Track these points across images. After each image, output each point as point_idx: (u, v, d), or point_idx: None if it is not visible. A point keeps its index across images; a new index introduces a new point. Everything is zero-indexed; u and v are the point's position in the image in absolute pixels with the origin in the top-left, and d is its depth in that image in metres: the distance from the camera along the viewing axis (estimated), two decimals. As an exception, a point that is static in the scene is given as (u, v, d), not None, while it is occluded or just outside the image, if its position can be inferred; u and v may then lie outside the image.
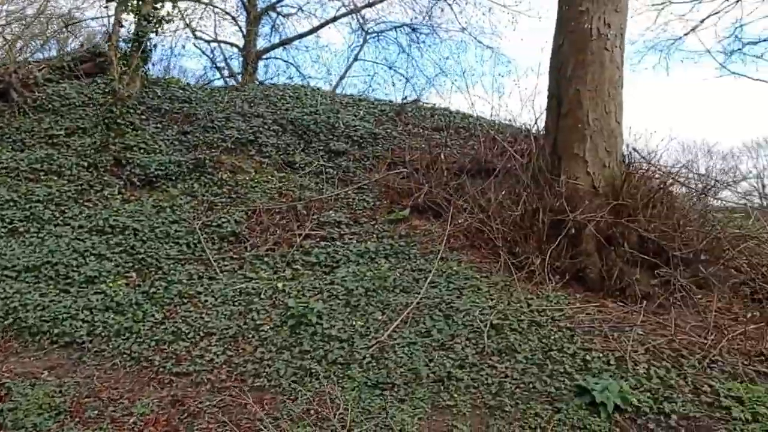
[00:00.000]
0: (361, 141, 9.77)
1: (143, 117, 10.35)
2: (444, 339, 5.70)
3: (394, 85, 23.00)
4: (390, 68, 22.11)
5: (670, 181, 8.08)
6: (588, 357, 5.50)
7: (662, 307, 6.77)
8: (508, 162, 8.52)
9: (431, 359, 5.40)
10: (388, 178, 8.72)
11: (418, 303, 6.21)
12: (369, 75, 22.47)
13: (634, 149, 8.82)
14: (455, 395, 4.98)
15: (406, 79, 21.59)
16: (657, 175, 8.33)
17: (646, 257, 7.04)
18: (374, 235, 7.68)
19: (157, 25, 11.16)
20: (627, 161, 7.72)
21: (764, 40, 20.04)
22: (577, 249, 7.16)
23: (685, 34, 21.08)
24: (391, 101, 11.52)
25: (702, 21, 20.51)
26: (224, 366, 5.57)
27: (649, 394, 5.06)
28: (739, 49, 20.29)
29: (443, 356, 5.44)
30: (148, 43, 11.03)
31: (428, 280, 6.59)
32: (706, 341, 5.99)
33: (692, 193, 8.56)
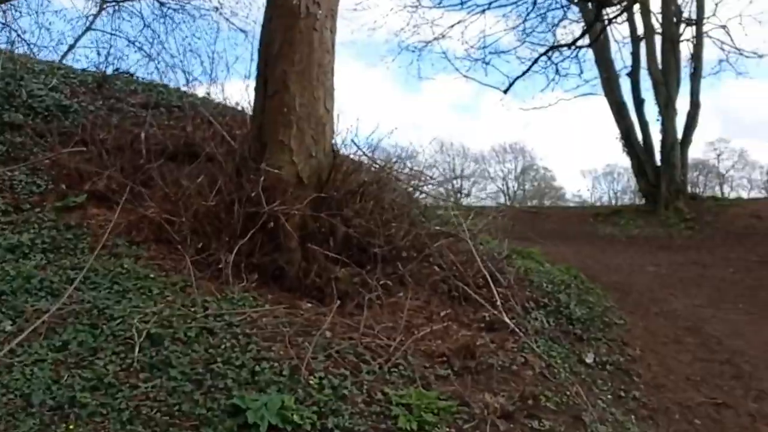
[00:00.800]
0: (46, 114, 8.16)
1: None
2: (84, 354, 4.62)
3: (136, 62, 20.81)
4: (132, 43, 19.98)
5: (383, 175, 7.83)
6: (258, 368, 4.80)
7: (360, 307, 6.40)
8: (219, 147, 7.63)
9: (57, 381, 4.30)
10: (70, 158, 7.32)
11: (62, 309, 5.05)
12: (104, 48, 19.91)
13: (352, 141, 8.49)
14: (72, 427, 3.94)
15: (148, 56, 19.63)
16: (372, 169, 8.06)
17: (346, 254, 6.63)
18: (36, 225, 6.29)
19: None
20: (335, 151, 7.27)
21: (498, 51, 21.87)
22: (276, 244, 6.52)
23: (435, 39, 22.25)
24: (98, 70, 9.95)
25: (451, 27, 21.78)
26: None
27: (316, 407, 4.48)
28: (482, 59, 21.91)
29: (75, 376, 4.36)
30: None
31: (83, 281, 5.43)
32: (392, 343, 5.68)
33: (405, 189, 8.43)
